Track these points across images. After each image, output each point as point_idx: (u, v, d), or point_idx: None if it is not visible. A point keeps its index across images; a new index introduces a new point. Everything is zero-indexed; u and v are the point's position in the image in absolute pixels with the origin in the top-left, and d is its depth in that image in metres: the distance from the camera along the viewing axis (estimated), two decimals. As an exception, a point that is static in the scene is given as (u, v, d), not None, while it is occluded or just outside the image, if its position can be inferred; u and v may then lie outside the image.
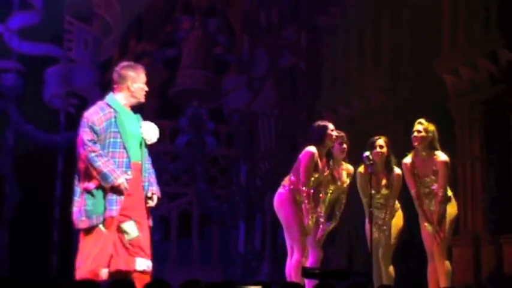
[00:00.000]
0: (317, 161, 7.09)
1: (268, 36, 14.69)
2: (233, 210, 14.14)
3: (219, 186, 14.64)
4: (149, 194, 5.85)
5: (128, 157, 5.72)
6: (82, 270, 5.60)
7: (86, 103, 13.95)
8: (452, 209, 7.23)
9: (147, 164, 5.93)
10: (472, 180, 9.99)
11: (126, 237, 5.67)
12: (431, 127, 7.20)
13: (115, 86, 5.88)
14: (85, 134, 5.66)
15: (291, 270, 7.01)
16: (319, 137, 7.16)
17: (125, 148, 5.71)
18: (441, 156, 7.15)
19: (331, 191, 7.49)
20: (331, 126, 7.25)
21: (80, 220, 5.69)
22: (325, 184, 7.34)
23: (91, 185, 5.67)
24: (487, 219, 9.75)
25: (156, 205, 5.92)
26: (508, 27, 9.61)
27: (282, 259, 12.07)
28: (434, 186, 7.15)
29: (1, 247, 12.88)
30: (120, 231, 5.67)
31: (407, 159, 7.26)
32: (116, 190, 5.62)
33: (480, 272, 9.69)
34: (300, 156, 7.13)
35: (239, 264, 13.97)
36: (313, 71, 13.78)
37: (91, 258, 5.60)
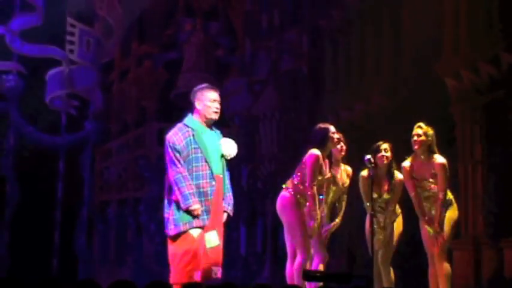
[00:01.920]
0: (321, 164, 7.11)
1: (269, 39, 14.69)
2: (234, 212, 14.11)
3: (220, 189, 14.63)
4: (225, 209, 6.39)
5: (211, 169, 6.19)
6: (178, 274, 6.09)
7: (87, 105, 14.00)
8: (453, 212, 7.24)
9: (227, 179, 6.40)
10: (473, 183, 9.99)
11: (207, 245, 6.17)
12: (430, 131, 7.23)
13: (192, 107, 6.40)
14: (171, 155, 6.18)
15: (294, 272, 7.01)
16: (321, 140, 7.18)
17: (206, 162, 6.20)
18: (439, 159, 7.17)
19: (332, 193, 7.50)
20: (332, 128, 7.26)
21: (169, 228, 6.19)
22: (326, 186, 7.35)
23: (174, 197, 6.16)
24: (487, 223, 9.75)
25: (225, 222, 6.39)
26: (510, 31, 9.62)
27: (282, 262, 12.06)
28: (434, 189, 7.17)
29: (1, 247, 12.88)
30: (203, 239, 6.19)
31: (406, 163, 7.29)
32: (189, 212, 6.10)
33: (481, 275, 9.68)
34: (305, 159, 7.13)
35: (240, 266, 13.96)
36: (314, 74, 13.78)
37: (184, 263, 6.09)
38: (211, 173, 6.18)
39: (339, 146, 7.51)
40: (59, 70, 13.47)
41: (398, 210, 7.62)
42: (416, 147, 7.20)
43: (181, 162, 6.13)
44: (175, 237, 6.16)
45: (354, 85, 12.78)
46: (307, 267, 7.02)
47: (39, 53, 13.38)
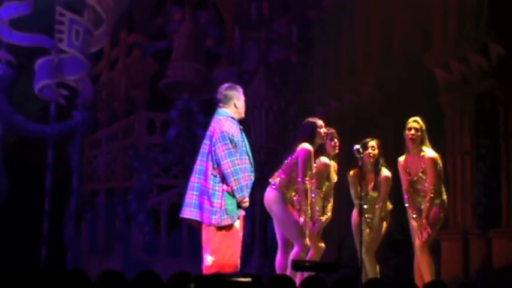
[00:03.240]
0: (312, 158, 7.11)
1: (259, 29, 14.67)
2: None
3: (209, 179, 14.60)
4: None
5: (251, 163, 6.50)
6: (222, 264, 6.22)
7: (76, 94, 13.95)
8: (439, 207, 7.26)
9: None
10: (462, 174, 10.03)
11: None
12: (424, 125, 7.24)
13: (221, 104, 6.61)
14: (229, 146, 6.33)
15: (290, 262, 7.00)
16: (309, 135, 7.18)
17: (248, 155, 6.50)
18: (428, 152, 7.17)
19: (325, 187, 7.50)
20: (319, 123, 7.26)
21: (222, 219, 6.28)
22: (321, 181, 7.37)
23: (228, 188, 6.33)
24: (476, 214, 9.79)
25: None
26: (499, 22, 9.63)
27: (271, 252, 12.09)
28: (426, 183, 7.17)
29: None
30: None
31: (401, 158, 7.29)
32: (239, 204, 6.35)
33: (469, 265, 9.73)
34: (297, 154, 7.12)
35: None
36: (303, 64, 13.78)
37: (230, 253, 6.31)
38: (251, 166, 6.48)
39: (332, 142, 7.51)
40: (48, 59, 13.40)
41: (389, 206, 7.64)
42: (412, 142, 7.19)
43: (237, 154, 6.34)
44: (225, 228, 6.29)
45: (343, 75, 12.79)
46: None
47: (28, 42, 13.30)
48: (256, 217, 13.89)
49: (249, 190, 6.42)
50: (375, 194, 7.53)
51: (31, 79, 13.43)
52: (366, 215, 7.39)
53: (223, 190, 6.30)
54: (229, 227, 6.31)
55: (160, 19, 15.23)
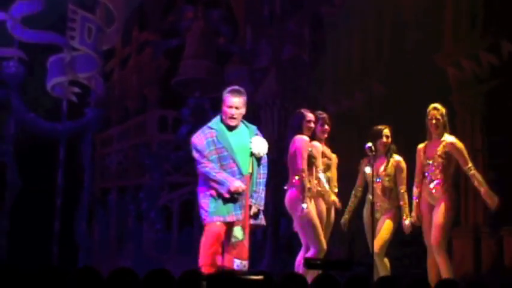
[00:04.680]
0: (311, 145, 7.18)
1: (271, 27, 14.66)
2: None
3: (220, 176, 14.60)
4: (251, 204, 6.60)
5: (238, 168, 6.49)
6: (205, 265, 6.38)
7: (88, 92, 13.98)
8: (451, 203, 7.27)
9: (259, 176, 6.66)
10: (474, 172, 9.97)
11: (233, 239, 6.49)
12: (444, 110, 7.30)
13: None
14: (196, 156, 6.58)
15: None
16: (297, 126, 7.27)
17: (233, 160, 6.49)
18: (448, 138, 7.22)
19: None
20: (309, 116, 7.30)
21: (202, 218, 6.52)
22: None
23: (213, 192, 6.47)
24: (487, 212, 9.75)
25: (254, 215, 6.65)
26: (510, 19, 9.60)
27: (283, 250, 12.10)
28: (433, 170, 7.19)
29: (1, 235, 12.88)
30: (230, 233, 6.49)
31: (422, 144, 7.35)
32: (233, 194, 6.41)
33: (480, 263, 9.70)
34: (294, 146, 7.18)
35: (240, 254, 13.97)
36: (315, 62, 13.76)
37: (210, 254, 6.41)
38: (240, 171, 6.48)
39: (323, 127, 7.55)
40: (60, 57, 13.42)
41: (397, 200, 7.61)
42: (435, 128, 7.22)
43: (206, 159, 6.49)
44: (207, 229, 6.47)
45: (354, 73, 12.76)
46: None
47: (40, 39, 13.33)
48: (268, 215, 13.88)
49: (243, 193, 6.46)
50: (386, 179, 7.52)
51: (43, 77, 13.46)
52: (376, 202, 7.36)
53: (209, 194, 6.50)
54: (210, 229, 6.45)
55: (172, 17, 15.25)
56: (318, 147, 7.46)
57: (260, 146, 6.66)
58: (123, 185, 15.32)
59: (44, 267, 4.47)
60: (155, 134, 14.73)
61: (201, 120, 14.63)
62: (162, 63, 15.04)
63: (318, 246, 7.06)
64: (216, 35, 15.09)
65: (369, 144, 7.18)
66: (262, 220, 6.72)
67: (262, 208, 6.69)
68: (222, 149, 6.51)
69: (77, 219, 13.83)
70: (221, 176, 6.43)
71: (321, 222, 7.26)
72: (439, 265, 7.13)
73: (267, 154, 6.73)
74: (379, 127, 7.60)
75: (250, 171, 6.59)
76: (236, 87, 6.76)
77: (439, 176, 7.23)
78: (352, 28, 12.91)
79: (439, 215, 7.16)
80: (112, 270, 4.58)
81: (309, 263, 6.54)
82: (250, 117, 15.17)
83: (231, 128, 6.65)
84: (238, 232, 6.53)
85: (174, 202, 14.60)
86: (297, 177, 7.16)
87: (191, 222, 14.38)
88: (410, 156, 7.60)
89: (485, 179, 9.63)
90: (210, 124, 6.71)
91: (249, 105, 14.82)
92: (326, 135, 7.66)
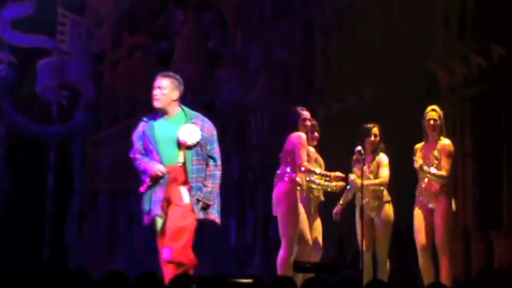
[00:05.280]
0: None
1: (261, 30, 14.67)
2: (225, 203, 14.13)
3: (210, 180, 14.59)
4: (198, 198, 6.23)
5: (160, 160, 6.15)
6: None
7: (78, 95, 13.98)
8: (450, 204, 7.33)
9: (208, 169, 6.23)
10: (463, 176, 10.02)
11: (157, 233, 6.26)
12: (442, 112, 7.35)
13: None
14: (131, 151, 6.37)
15: (278, 265, 7.06)
16: (294, 123, 7.29)
17: (156, 152, 6.18)
18: (445, 141, 7.29)
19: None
20: (304, 115, 7.32)
21: (144, 223, 6.33)
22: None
23: (142, 189, 6.28)
24: (477, 215, 9.79)
25: (203, 208, 6.27)
26: (500, 23, 9.63)
27: (273, 253, 12.06)
28: (433, 170, 7.23)
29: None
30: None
31: (418, 145, 7.39)
32: (157, 178, 6.11)
33: (470, 267, 9.72)
34: (291, 142, 7.19)
35: (230, 257, 13.97)
36: (306, 66, 13.77)
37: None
38: (161, 162, 6.13)
39: (313, 135, 7.58)
40: (50, 60, 13.44)
41: (387, 196, 7.63)
42: (432, 129, 7.27)
43: (135, 152, 6.31)
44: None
45: (345, 77, 12.78)
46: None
47: (30, 43, 13.34)
48: (258, 217, 13.90)
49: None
50: (372, 177, 7.55)
51: (33, 80, 13.46)
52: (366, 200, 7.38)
53: (140, 191, 6.32)
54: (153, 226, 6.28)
55: (162, 20, 15.25)
56: (312, 151, 7.52)
57: (188, 133, 6.19)
58: (114, 188, 15.29)
59: (34, 271, 4.47)
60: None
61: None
62: (152, 67, 15.02)
63: (289, 243, 7.05)
64: (206, 38, 15.09)
65: (359, 147, 7.21)
66: (212, 215, 6.33)
67: (212, 203, 6.28)
68: (147, 142, 6.22)
69: (67, 222, 13.82)
70: (143, 163, 6.21)
71: (308, 219, 7.29)
72: (443, 265, 7.18)
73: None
74: (368, 125, 7.65)
75: (182, 161, 6.15)
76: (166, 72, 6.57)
77: (436, 178, 7.27)
78: (342, 31, 12.93)
79: (442, 215, 7.21)
80: (103, 274, 4.58)
81: (297, 266, 6.54)
82: (240, 120, 15.22)
83: (166, 117, 6.30)
84: (159, 224, 6.25)
85: (164, 205, 14.57)
86: (288, 170, 7.16)
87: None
88: (400, 158, 7.62)
89: (475, 182, 9.70)
90: (146, 116, 6.44)
91: (239, 108, 14.81)
92: (315, 143, 7.68)
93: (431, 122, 7.29)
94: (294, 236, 7.05)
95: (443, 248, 7.17)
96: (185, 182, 6.15)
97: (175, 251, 6.11)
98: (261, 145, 13.80)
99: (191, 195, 6.16)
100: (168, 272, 6.00)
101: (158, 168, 6.09)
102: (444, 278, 7.13)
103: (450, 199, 7.35)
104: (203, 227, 15.03)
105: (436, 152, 7.25)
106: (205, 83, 14.77)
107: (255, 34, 14.80)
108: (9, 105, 13.28)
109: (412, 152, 7.40)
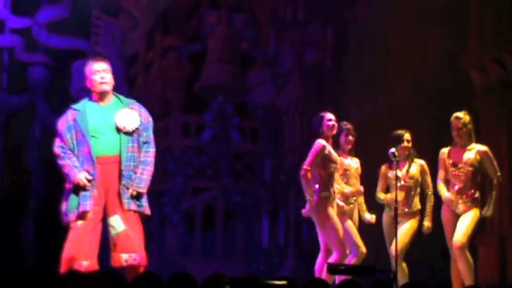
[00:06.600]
0: (330, 151, 7.15)
1: (293, 31, 14.66)
2: (257, 205, 14.15)
3: (243, 181, 14.64)
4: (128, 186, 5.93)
5: (90, 152, 5.85)
6: (62, 264, 5.87)
7: (112, 97, 14.05)
8: (478, 209, 7.26)
9: (141, 155, 6.01)
10: (499, 178, 9.91)
11: (113, 231, 5.89)
12: (468, 118, 7.28)
13: (87, 88, 6.16)
14: (54, 144, 5.98)
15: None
16: (317, 128, 7.26)
17: (88, 144, 5.86)
18: (477, 147, 7.23)
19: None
20: (328, 116, 7.29)
21: (62, 217, 5.97)
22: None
23: (67, 185, 5.95)
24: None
25: (134, 198, 5.96)
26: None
27: (305, 255, 12.08)
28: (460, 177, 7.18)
29: (27, 240, 12.94)
30: (109, 226, 5.92)
31: (445, 149, 7.34)
32: (79, 187, 5.82)
33: (506, 271, 9.63)
34: (312, 148, 7.21)
35: (262, 259, 13.98)
36: (338, 67, 13.74)
37: (65, 252, 5.85)
38: (90, 155, 5.84)
39: (347, 138, 7.56)
40: (85, 62, 13.53)
41: (418, 205, 7.59)
42: (458, 138, 7.23)
43: (61, 146, 5.94)
44: (69, 227, 5.92)
45: (378, 78, 12.73)
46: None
47: (66, 45, 13.43)
48: (290, 220, 13.89)
49: (94, 182, 5.84)
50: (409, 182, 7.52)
51: (68, 82, 13.56)
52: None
53: (66, 188, 5.97)
54: (69, 226, 5.90)
55: (195, 22, 15.28)
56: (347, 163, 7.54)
57: (126, 119, 5.94)
58: (147, 190, 15.36)
59: (24, 271, 4.47)
60: (178, 139, 14.75)
61: (224, 125, 14.70)
62: (185, 68, 15.07)
63: (341, 251, 7.03)
64: (239, 39, 15.10)
65: (393, 149, 7.18)
66: (145, 208, 6.03)
67: (143, 191, 5.98)
68: (79, 132, 5.87)
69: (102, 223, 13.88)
70: (68, 167, 5.82)
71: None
72: (460, 270, 7.09)
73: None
74: (400, 132, 7.61)
75: (113, 152, 5.90)
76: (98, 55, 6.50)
77: (468, 184, 7.21)
78: (375, 31, 12.88)
79: (466, 219, 7.14)
80: (136, 274, 4.60)
81: (332, 269, 6.52)
82: (272, 122, 15.20)
83: (99, 105, 6.01)
84: (115, 222, 5.89)
85: (197, 206, 14.63)
86: (316, 186, 7.15)
87: (214, 226, 14.41)
88: (433, 161, 7.58)
89: (510, 185, 9.60)
90: (74, 105, 6.07)
91: (272, 109, 14.79)
92: (350, 146, 7.65)
93: (455, 131, 7.24)
94: (340, 240, 7.04)
95: (459, 252, 7.07)
96: (119, 172, 5.88)
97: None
98: (293, 147, 13.79)
99: (121, 185, 5.90)
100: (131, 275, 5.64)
101: (81, 177, 5.80)
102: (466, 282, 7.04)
103: (479, 206, 7.28)
104: (235, 228, 15.03)
105: (470, 158, 7.17)
106: (237, 85, 14.79)
107: (287, 35, 14.79)
108: (44, 107, 13.39)
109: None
